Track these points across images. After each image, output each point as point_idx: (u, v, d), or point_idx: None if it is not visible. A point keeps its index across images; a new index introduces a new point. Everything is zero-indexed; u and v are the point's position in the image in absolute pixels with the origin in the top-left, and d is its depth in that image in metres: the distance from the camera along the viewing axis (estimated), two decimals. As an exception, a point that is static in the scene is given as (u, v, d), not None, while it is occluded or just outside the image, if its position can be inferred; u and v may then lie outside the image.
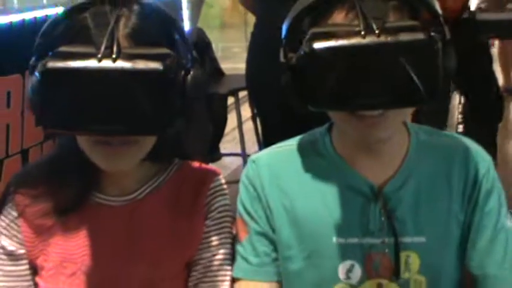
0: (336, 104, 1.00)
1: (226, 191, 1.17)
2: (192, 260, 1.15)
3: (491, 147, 2.95)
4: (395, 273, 1.09)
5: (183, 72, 1.00)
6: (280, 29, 1.11)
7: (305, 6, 1.04)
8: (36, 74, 0.96)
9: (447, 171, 1.13)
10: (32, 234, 1.13)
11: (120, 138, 1.02)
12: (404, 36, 0.94)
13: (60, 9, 1.14)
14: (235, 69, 3.57)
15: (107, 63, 0.94)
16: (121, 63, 0.94)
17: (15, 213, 1.12)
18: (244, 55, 2.65)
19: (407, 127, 1.16)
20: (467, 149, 1.15)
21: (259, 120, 2.97)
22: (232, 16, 7.90)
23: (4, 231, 1.12)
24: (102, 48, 0.95)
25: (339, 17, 1.01)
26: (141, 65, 0.94)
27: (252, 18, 3.04)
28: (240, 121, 3.41)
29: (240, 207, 1.16)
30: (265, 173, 1.14)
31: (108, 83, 0.94)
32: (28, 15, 2.11)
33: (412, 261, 1.09)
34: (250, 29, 2.75)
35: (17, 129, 2.03)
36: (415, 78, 0.94)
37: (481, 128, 2.92)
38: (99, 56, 0.94)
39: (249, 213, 1.15)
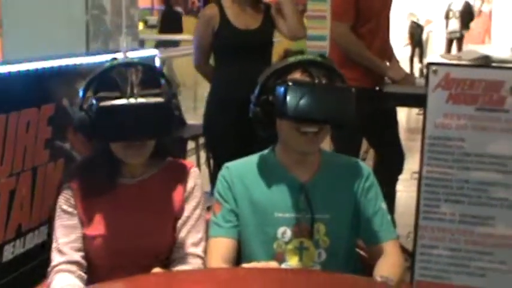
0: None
1: (199, 176, 1.77)
2: (178, 216, 1.70)
3: (392, 194, 3.39)
4: (310, 235, 1.60)
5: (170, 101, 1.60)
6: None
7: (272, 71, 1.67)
8: (93, 109, 1.54)
9: (345, 176, 1.70)
10: (80, 204, 1.67)
11: (140, 142, 1.61)
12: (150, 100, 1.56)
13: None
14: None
15: (132, 101, 1.53)
16: (139, 100, 1.54)
17: (70, 193, 1.67)
18: (193, 111, 3.22)
19: (319, 150, 1.74)
20: (358, 164, 1.76)
21: (213, 160, 3.42)
22: (185, 77, 8.35)
23: (65, 201, 1.64)
24: (128, 92, 1.54)
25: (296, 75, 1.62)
26: (152, 100, 1.52)
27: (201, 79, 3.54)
28: (199, 162, 3.88)
29: (216, 194, 1.67)
30: (234, 173, 1.67)
31: (133, 111, 1.52)
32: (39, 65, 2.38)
33: (320, 228, 1.63)
34: (201, 89, 3.30)
35: (31, 150, 2.28)
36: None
37: (385, 177, 3.38)
38: (127, 97, 1.54)
39: (222, 198, 1.66)
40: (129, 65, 1.64)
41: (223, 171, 1.75)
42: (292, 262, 1.66)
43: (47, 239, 2.29)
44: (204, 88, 4.53)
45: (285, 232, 1.66)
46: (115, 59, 1.71)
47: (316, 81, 1.61)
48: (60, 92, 2.37)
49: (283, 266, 1.65)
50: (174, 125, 1.63)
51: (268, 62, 3.14)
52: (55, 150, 2.35)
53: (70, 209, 1.67)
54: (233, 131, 3.06)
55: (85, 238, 1.67)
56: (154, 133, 1.60)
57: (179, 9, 12.72)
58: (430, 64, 2.60)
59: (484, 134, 2.55)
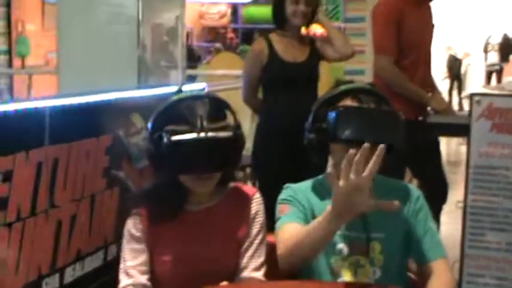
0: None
1: (262, 202, 1.81)
2: (242, 241, 1.76)
3: (436, 223, 3.40)
4: (366, 253, 1.67)
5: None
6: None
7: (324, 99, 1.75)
8: (164, 143, 1.59)
9: (396, 198, 1.78)
10: (148, 229, 1.76)
11: (209, 174, 1.67)
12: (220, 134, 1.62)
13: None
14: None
15: (202, 135, 1.56)
16: (210, 134, 1.57)
17: (139, 218, 1.75)
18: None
19: None
20: (407, 187, 1.84)
21: (259, 190, 3.49)
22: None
23: (133, 226, 1.73)
24: (198, 126, 1.57)
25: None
26: (221, 134, 1.53)
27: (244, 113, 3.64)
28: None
29: (283, 200, 1.77)
30: (297, 190, 1.80)
31: (204, 146, 1.56)
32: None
33: (376, 246, 1.70)
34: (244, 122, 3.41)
35: (90, 178, 2.29)
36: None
37: (430, 206, 3.39)
38: (197, 131, 1.57)
39: (290, 201, 1.76)
40: (196, 98, 1.70)
41: (286, 190, 1.84)
42: (347, 278, 1.72)
43: (103, 263, 2.38)
44: (247, 121, 4.64)
45: (343, 248, 1.73)
46: (180, 91, 1.78)
47: (366, 106, 1.69)
48: (116, 124, 2.47)
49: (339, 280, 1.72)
50: (241, 156, 1.70)
51: (314, 94, 3.25)
52: (111, 178, 2.44)
53: (138, 234, 1.75)
54: (280, 161, 3.16)
55: (152, 262, 1.74)
56: (223, 166, 1.66)
57: (218, 45, 12.95)
58: (473, 95, 2.70)
59: (527, 163, 2.61)
